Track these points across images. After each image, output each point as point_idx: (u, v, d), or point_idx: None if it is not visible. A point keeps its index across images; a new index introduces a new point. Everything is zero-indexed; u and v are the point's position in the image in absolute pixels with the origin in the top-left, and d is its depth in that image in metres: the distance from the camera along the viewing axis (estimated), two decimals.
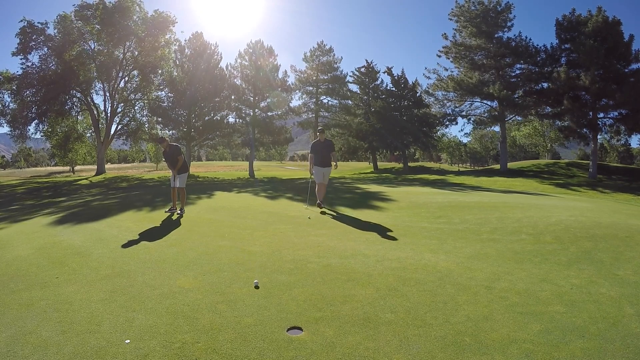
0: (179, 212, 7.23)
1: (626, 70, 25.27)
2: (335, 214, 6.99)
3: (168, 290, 3.17)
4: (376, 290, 3.15)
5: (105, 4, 26.02)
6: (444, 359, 2.14)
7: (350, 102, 35.64)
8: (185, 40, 28.49)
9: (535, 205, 7.78)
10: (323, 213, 7.06)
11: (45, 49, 26.15)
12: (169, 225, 6.08)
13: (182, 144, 28.30)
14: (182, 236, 5.21)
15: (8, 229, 6.61)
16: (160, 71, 28.58)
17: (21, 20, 25.71)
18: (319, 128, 8.03)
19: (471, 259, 4.05)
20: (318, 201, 7.52)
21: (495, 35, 29.22)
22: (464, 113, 32.21)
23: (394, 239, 5.03)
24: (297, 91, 32.91)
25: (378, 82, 36.91)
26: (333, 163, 7.87)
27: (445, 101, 32.53)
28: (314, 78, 32.77)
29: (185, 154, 28.49)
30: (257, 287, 3.19)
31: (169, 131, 28.90)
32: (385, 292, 3.10)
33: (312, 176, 7.89)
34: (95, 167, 31.12)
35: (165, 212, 7.34)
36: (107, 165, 49.28)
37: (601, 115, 26.26)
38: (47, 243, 4.99)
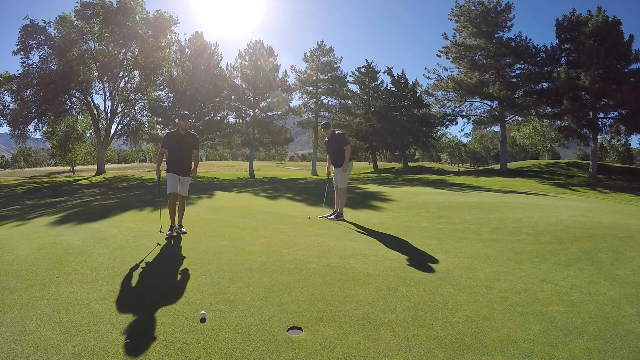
0: (179, 229, 5.35)
1: (626, 70, 25.30)
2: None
3: (168, 290, 3.17)
4: (376, 290, 3.15)
5: (107, 3, 26.02)
6: (444, 359, 2.14)
7: (350, 102, 35.64)
8: (186, 41, 28.53)
9: (535, 205, 7.78)
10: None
11: (46, 49, 26.18)
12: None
13: None
14: (182, 236, 5.21)
15: (8, 229, 6.61)
16: (160, 71, 28.59)
17: (24, 18, 25.76)
18: (323, 122, 6.56)
19: (471, 259, 4.05)
20: (332, 212, 6.57)
21: (495, 35, 29.24)
22: (464, 113, 32.26)
23: (394, 239, 5.03)
24: (297, 91, 32.91)
25: (378, 82, 36.98)
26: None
27: (445, 101, 32.56)
28: (314, 78, 32.75)
29: None
30: (203, 319, 2.64)
31: (169, 131, 28.88)
32: (385, 292, 3.10)
33: (329, 177, 6.94)
34: (95, 167, 31.12)
35: (165, 233, 5.23)
36: (107, 165, 49.33)
37: (601, 115, 26.28)
38: (47, 243, 4.99)
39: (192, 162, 5.47)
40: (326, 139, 6.62)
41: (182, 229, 5.38)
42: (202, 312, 2.71)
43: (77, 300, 2.99)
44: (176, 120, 5.25)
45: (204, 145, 31.59)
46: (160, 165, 5.43)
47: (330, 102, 34.16)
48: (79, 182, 22.43)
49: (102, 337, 2.38)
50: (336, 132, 6.53)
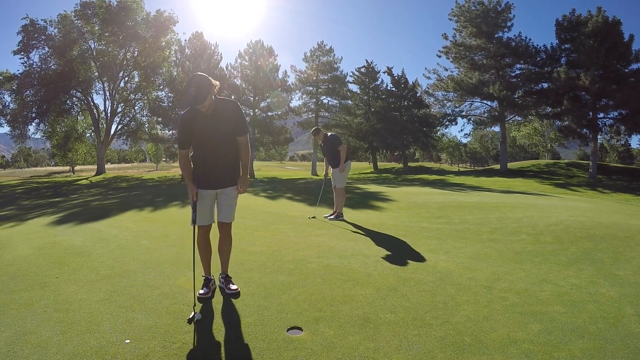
0: (227, 285, 3.15)
1: (626, 70, 25.35)
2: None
3: (168, 290, 3.16)
4: (376, 290, 3.15)
5: (107, 3, 26.01)
6: (444, 359, 2.14)
7: (350, 102, 35.68)
8: (186, 40, 28.57)
9: (535, 205, 7.78)
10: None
11: (46, 48, 26.18)
12: (169, 225, 6.08)
13: None
14: (182, 236, 5.21)
15: (8, 229, 6.61)
16: (160, 71, 28.59)
17: (24, 18, 25.75)
18: (313, 129, 6.68)
19: (471, 259, 4.05)
20: (332, 212, 6.58)
21: (495, 36, 29.28)
22: (464, 113, 32.33)
23: (394, 239, 5.03)
24: (297, 91, 32.96)
25: (378, 82, 37.03)
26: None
27: (445, 101, 32.62)
28: (314, 78, 32.77)
29: None
30: (190, 320, 2.56)
31: (169, 131, 28.89)
32: (385, 292, 3.10)
33: (327, 178, 6.99)
34: (95, 167, 31.12)
35: (199, 295, 2.97)
36: (107, 165, 49.32)
37: (601, 115, 26.31)
38: (47, 243, 4.99)
39: (240, 162, 3.09)
40: (321, 143, 6.65)
41: (232, 286, 3.12)
42: (197, 314, 2.64)
43: (77, 300, 2.99)
44: (190, 89, 2.71)
45: None
46: (191, 177, 2.97)
47: (330, 102, 34.22)
48: (79, 182, 22.43)
49: (102, 337, 2.37)
50: (328, 134, 6.56)
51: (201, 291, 3.03)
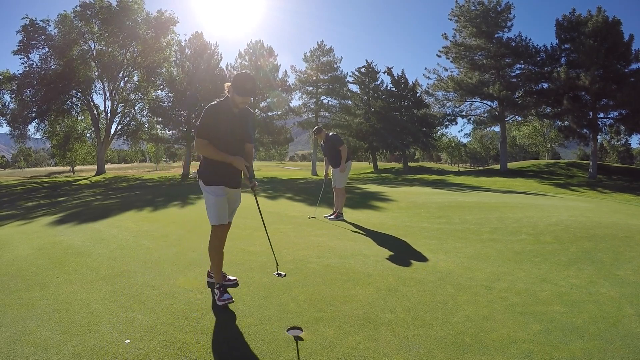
0: (228, 278, 3.31)
1: (626, 70, 25.33)
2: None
3: (168, 290, 3.17)
4: (376, 290, 3.16)
5: (107, 3, 25.99)
6: (444, 359, 2.14)
7: (350, 102, 35.65)
8: (186, 41, 28.49)
9: (535, 205, 7.78)
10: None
11: (46, 48, 26.18)
12: (169, 225, 6.08)
13: (182, 144, 28.19)
14: (182, 236, 5.21)
15: (8, 229, 6.61)
16: (160, 71, 28.56)
17: (23, 18, 25.74)
18: (315, 128, 6.66)
19: (471, 259, 4.05)
20: (332, 212, 6.59)
21: (495, 36, 29.27)
22: (464, 113, 32.32)
23: (394, 239, 5.03)
24: (297, 91, 32.92)
25: (378, 82, 37.01)
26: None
27: (445, 101, 32.61)
28: (314, 78, 32.75)
29: (186, 154, 28.42)
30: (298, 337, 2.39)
31: (169, 131, 28.83)
32: (385, 292, 3.10)
33: (327, 178, 6.97)
34: (95, 167, 31.12)
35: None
36: (107, 165, 49.33)
37: (601, 115, 26.31)
38: (47, 243, 4.99)
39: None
40: (321, 142, 6.64)
41: (230, 277, 3.34)
42: (294, 330, 2.46)
43: (77, 300, 2.99)
44: (226, 85, 2.89)
45: None
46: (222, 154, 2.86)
47: (330, 102, 34.18)
48: (79, 182, 22.43)
49: (102, 337, 2.37)
50: (330, 134, 6.54)
51: (226, 295, 2.84)
